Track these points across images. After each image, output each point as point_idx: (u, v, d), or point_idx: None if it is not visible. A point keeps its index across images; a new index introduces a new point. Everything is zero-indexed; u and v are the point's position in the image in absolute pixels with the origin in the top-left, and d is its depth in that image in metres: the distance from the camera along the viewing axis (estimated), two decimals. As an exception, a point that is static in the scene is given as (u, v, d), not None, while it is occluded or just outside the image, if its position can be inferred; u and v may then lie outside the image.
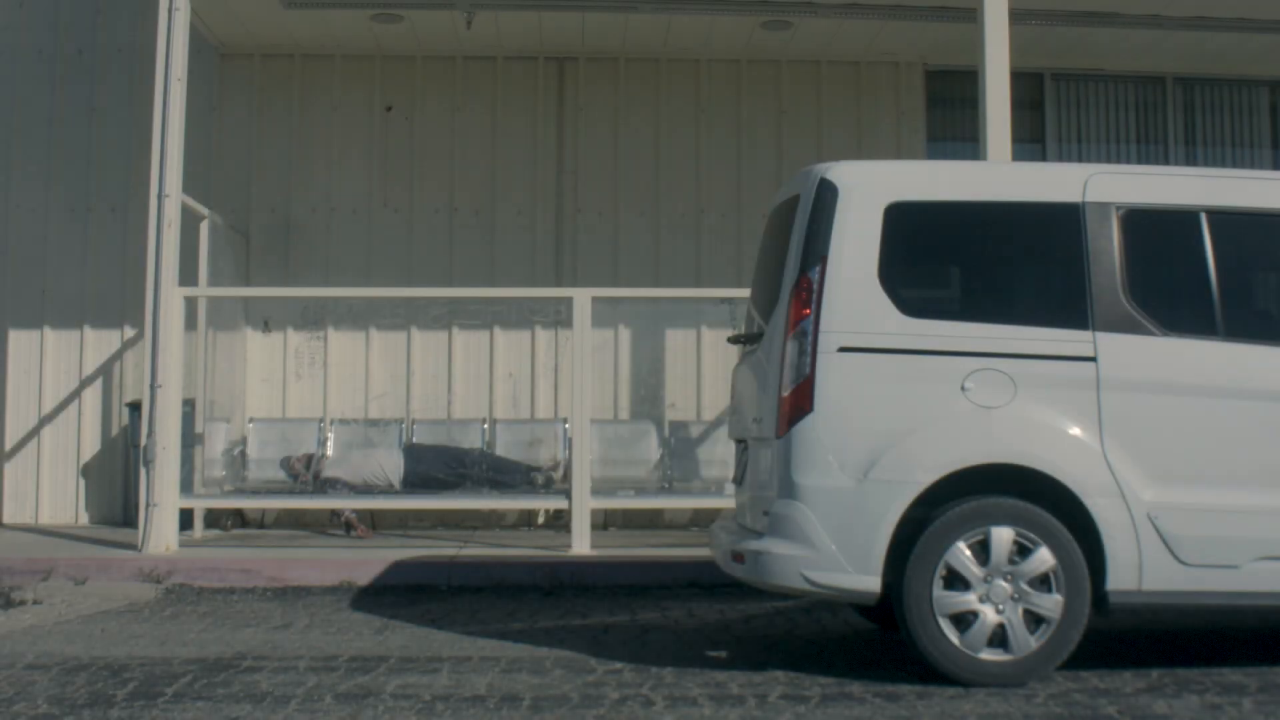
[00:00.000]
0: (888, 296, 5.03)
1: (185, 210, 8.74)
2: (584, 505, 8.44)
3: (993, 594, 4.84)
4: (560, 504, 9.08)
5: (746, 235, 11.02)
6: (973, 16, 8.74)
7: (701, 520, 10.65)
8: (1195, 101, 11.64)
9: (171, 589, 7.55)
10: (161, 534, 8.23)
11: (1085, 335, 5.01)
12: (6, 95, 10.74)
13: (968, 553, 4.85)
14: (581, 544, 8.34)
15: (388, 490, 9.51)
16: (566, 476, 9.12)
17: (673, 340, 10.93)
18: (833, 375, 4.97)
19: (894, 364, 4.99)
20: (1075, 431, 4.93)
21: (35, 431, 10.52)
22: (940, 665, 4.83)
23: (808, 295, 5.04)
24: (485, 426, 10.50)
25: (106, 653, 5.57)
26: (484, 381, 10.75)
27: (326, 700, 4.66)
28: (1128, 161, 11.53)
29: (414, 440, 10.31)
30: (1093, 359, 4.98)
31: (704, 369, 10.86)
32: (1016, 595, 4.84)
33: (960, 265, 5.25)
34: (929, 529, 4.85)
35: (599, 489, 9.03)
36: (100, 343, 10.57)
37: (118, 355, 10.59)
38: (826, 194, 5.14)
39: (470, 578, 7.71)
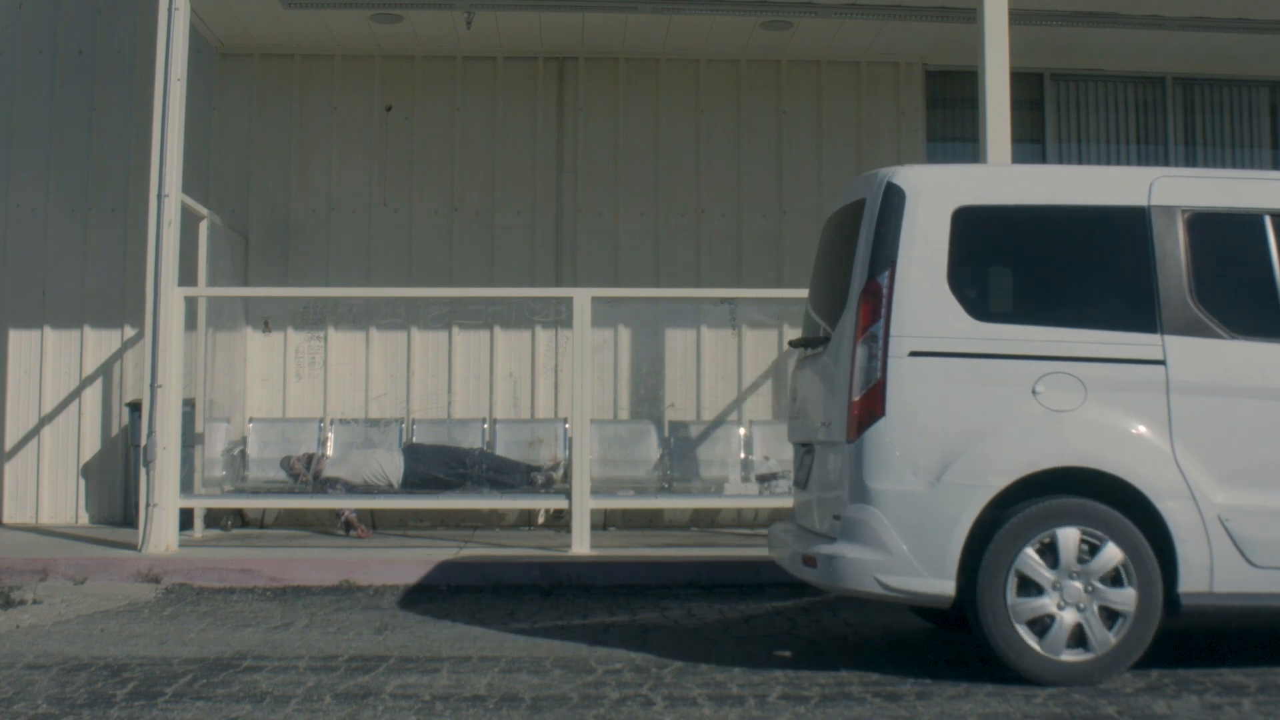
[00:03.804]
0: (957, 300, 5.05)
1: (185, 210, 8.74)
2: (584, 505, 8.44)
3: (1066, 595, 4.87)
4: (560, 504, 9.08)
5: (746, 235, 11.04)
6: (973, 16, 8.75)
7: (701, 520, 10.67)
8: (1195, 101, 11.64)
9: (171, 589, 7.55)
10: (161, 534, 8.23)
11: (1154, 339, 5.03)
12: (6, 95, 10.74)
13: (1038, 556, 4.87)
14: (581, 544, 8.34)
15: (388, 490, 9.51)
16: (566, 476, 9.12)
17: (673, 340, 10.93)
18: (904, 380, 4.99)
19: (965, 368, 5.01)
20: (1145, 435, 4.95)
21: (35, 431, 10.52)
22: (1019, 667, 4.85)
23: (877, 300, 5.06)
24: (485, 426, 10.50)
25: (106, 652, 5.57)
26: (484, 381, 10.75)
27: (326, 700, 4.66)
28: (1128, 162, 11.53)
29: (414, 440, 10.31)
30: (1161, 362, 5.00)
31: (704, 369, 10.87)
32: (1090, 592, 4.86)
33: (1028, 269, 5.23)
34: (1000, 532, 4.87)
35: (599, 489, 9.04)
36: (100, 343, 10.58)
37: (118, 355, 10.59)
38: (894, 198, 5.15)
39: (468, 577, 7.71)
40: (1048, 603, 4.85)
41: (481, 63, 11.07)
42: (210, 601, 7.14)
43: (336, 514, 9.74)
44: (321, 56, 10.98)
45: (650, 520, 10.56)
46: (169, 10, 8.50)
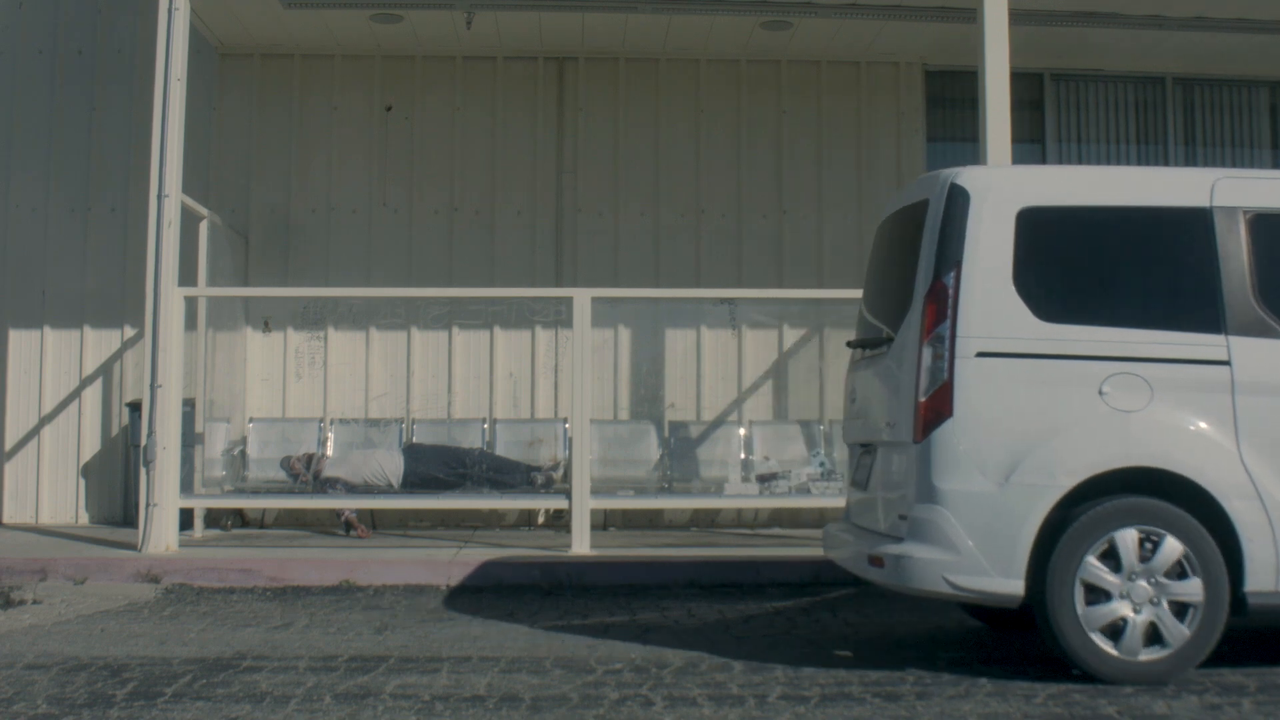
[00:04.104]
0: (1023, 301, 5.08)
1: (185, 210, 8.75)
2: (584, 505, 8.44)
3: (1134, 596, 4.89)
4: (560, 504, 9.08)
5: (746, 235, 11.04)
6: (973, 16, 8.75)
7: (701, 520, 10.67)
8: (1195, 101, 11.64)
9: (171, 589, 7.55)
10: (161, 534, 8.24)
11: (1218, 339, 5.05)
12: (6, 95, 10.75)
13: (1100, 564, 4.89)
14: (581, 544, 8.34)
15: (388, 490, 9.51)
16: (566, 476, 9.12)
17: (673, 340, 10.93)
18: (971, 380, 5.02)
19: (1031, 369, 5.03)
20: (1211, 434, 4.98)
21: (35, 431, 10.52)
22: (1100, 673, 4.87)
23: (943, 301, 5.09)
24: (485, 426, 10.50)
25: (106, 653, 5.57)
26: (484, 381, 10.76)
27: (326, 700, 4.66)
28: (1128, 162, 11.54)
29: (414, 440, 10.31)
30: (1226, 363, 5.03)
31: (704, 369, 10.87)
32: (1156, 589, 4.88)
33: (1092, 270, 5.24)
34: (1068, 531, 4.89)
35: (599, 489, 9.04)
36: (100, 343, 10.58)
37: (118, 355, 10.59)
38: (958, 199, 5.19)
39: (468, 577, 7.72)
40: (1117, 607, 4.88)
41: (481, 63, 11.08)
42: (210, 601, 7.14)
43: (336, 514, 9.74)
44: (321, 56, 10.98)
45: (650, 520, 10.56)
46: (169, 10, 8.51)
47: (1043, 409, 4.99)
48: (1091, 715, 4.46)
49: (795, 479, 9.51)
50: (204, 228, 9.52)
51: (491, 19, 10.11)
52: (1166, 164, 11.44)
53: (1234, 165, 11.56)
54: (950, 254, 5.12)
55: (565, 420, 10.14)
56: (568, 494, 8.60)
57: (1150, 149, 11.56)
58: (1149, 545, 4.89)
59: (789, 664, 5.33)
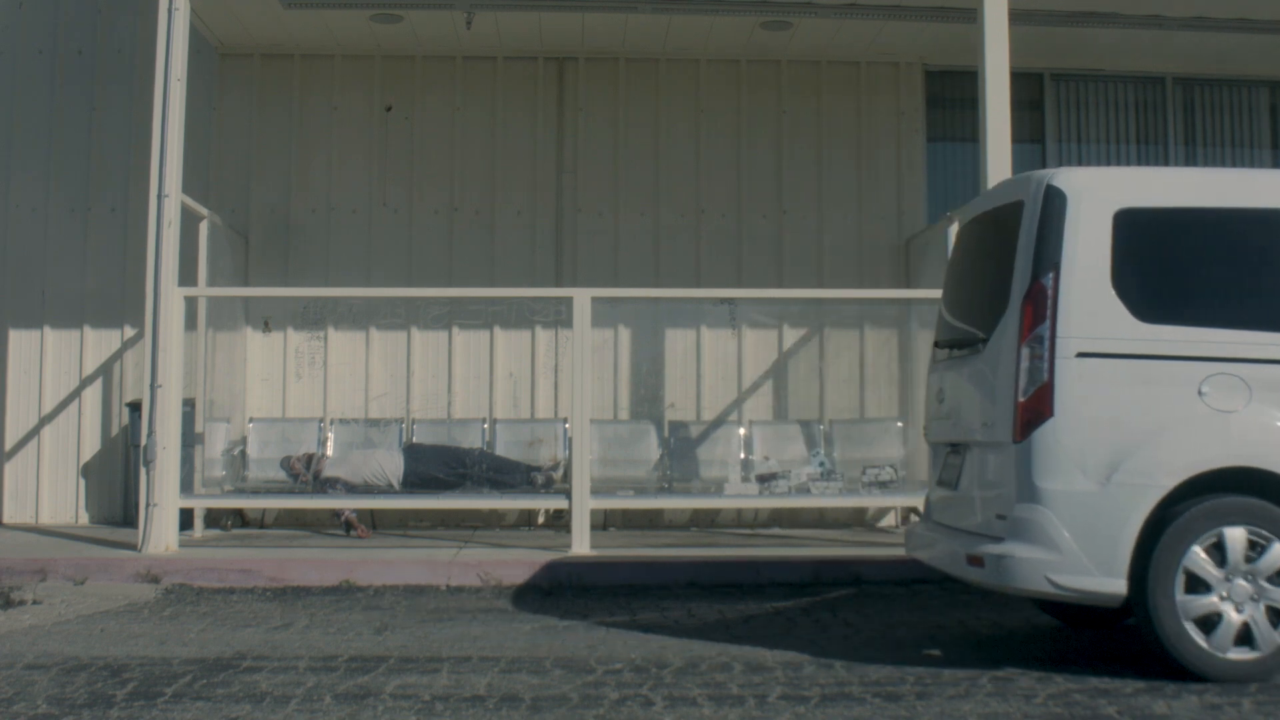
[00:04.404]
0: (1121, 302, 5.12)
1: (185, 210, 8.75)
2: (584, 505, 8.44)
3: (1233, 594, 4.91)
4: (560, 504, 9.08)
5: (746, 235, 11.04)
6: (973, 16, 8.75)
7: (701, 520, 10.67)
8: (1195, 101, 11.64)
9: (171, 589, 7.55)
10: (161, 534, 8.23)
11: None
12: (6, 95, 10.75)
13: (1206, 555, 4.92)
14: (581, 544, 8.34)
15: (388, 490, 9.51)
16: (566, 476, 9.12)
17: (673, 340, 10.93)
18: (1072, 381, 5.06)
19: (1131, 369, 5.08)
20: None
21: (35, 431, 10.52)
22: (1188, 663, 4.90)
23: (1042, 302, 5.13)
24: (485, 426, 10.50)
25: (106, 653, 5.57)
26: (484, 381, 10.76)
27: (326, 700, 4.66)
28: (1127, 162, 11.54)
29: (414, 440, 10.31)
30: None
31: (704, 369, 10.87)
32: (1257, 592, 4.91)
33: (1189, 271, 5.28)
34: (1169, 530, 4.92)
35: (599, 489, 9.03)
36: (100, 343, 10.58)
37: (118, 355, 10.59)
38: (1055, 201, 5.23)
39: (468, 577, 7.72)
40: (1215, 601, 4.91)
41: (481, 63, 11.08)
42: (210, 602, 7.13)
43: (336, 514, 9.74)
44: (321, 56, 10.98)
45: (650, 520, 10.56)
46: (169, 10, 8.51)
47: (1143, 410, 5.04)
48: (1092, 715, 4.46)
49: (795, 479, 9.51)
50: (204, 228, 9.52)
51: (491, 19, 10.11)
52: (1166, 164, 11.45)
53: (1234, 165, 11.57)
54: (1048, 255, 5.17)
55: (565, 420, 10.14)
56: (568, 494, 8.60)
57: (1150, 149, 11.56)
58: (1256, 546, 4.93)
59: (789, 664, 5.33)
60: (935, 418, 6.13)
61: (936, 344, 6.20)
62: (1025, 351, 5.12)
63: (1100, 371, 5.07)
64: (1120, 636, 5.99)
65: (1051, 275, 5.12)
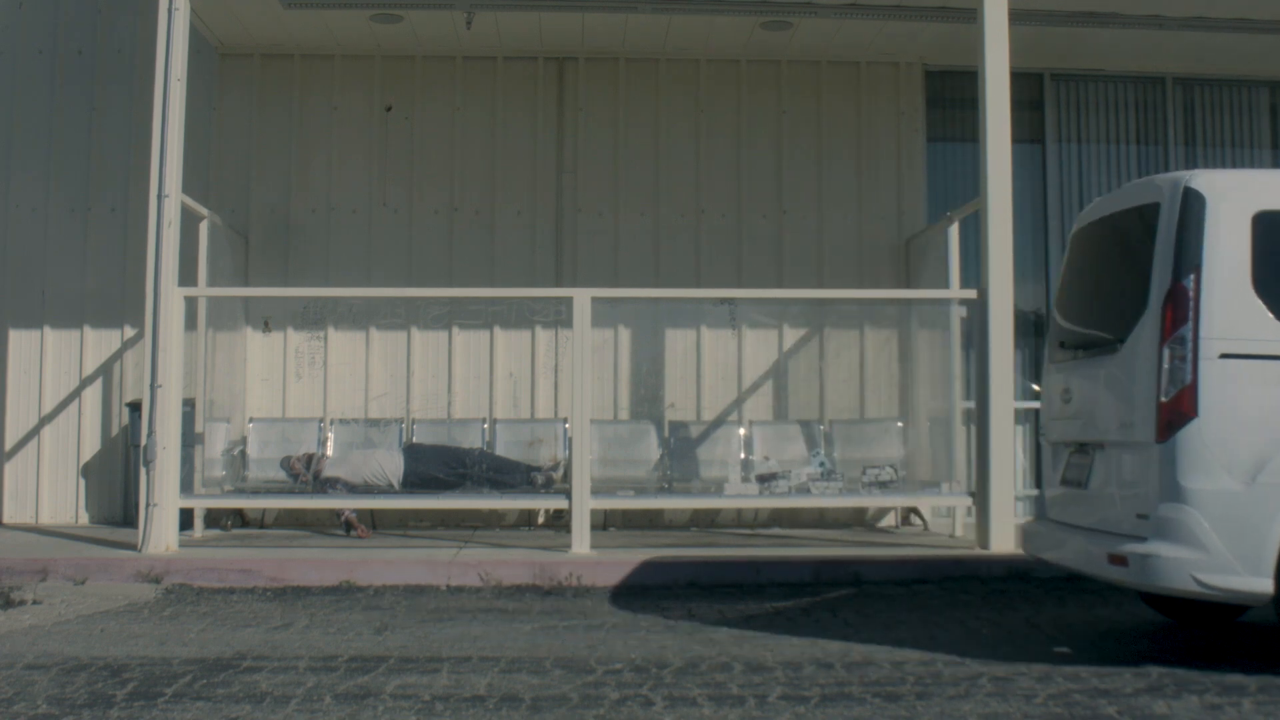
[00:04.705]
0: (1263, 304, 5.17)
1: (185, 210, 8.75)
2: (584, 505, 8.44)
3: None
4: (560, 504, 9.07)
5: (746, 235, 11.04)
6: (973, 16, 8.75)
7: (701, 520, 10.67)
8: (1195, 101, 11.64)
9: (171, 589, 7.55)
10: (161, 534, 8.23)
11: None
12: (7, 95, 10.75)
13: None
14: (581, 544, 8.34)
15: (388, 490, 9.51)
16: (566, 476, 9.12)
17: (673, 340, 10.93)
18: (1215, 381, 5.11)
19: (1274, 370, 5.12)
20: None
21: (35, 431, 10.52)
22: None
23: (1183, 303, 5.18)
24: (485, 426, 10.50)
25: (106, 653, 5.57)
26: (484, 381, 10.76)
27: (326, 700, 4.66)
28: (1127, 162, 11.54)
29: (414, 440, 10.31)
30: None
31: (704, 369, 10.87)
32: None
33: None
34: None
35: (599, 489, 9.03)
36: (100, 343, 10.58)
37: (118, 355, 10.59)
38: (1193, 203, 5.28)
39: (468, 577, 7.72)
40: None
41: (481, 63, 11.08)
42: (210, 602, 7.13)
43: (336, 514, 9.74)
44: (321, 56, 10.98)
45: (650, 520, 10.56)
46: (169, 10, 8.51)
47: None
48: (1092, 715, 4.46)
49: (795, 479, 9.51)
50: (204, 228, 9.52)
51: (491, 19, 10.11)
52: (1166, 164, 11.47)
53: (1234, 165, 11.57)
54: (1188, 257, 5.22)
55: (565, 420, 10.14)
56: (568, 494, 8.60)
57: (1150, 149, 11.56)
58: None
59: (789, 664, 5.33)
60: (1059, 418, 6.18)
61: (1061, 345, 6.24)
62: (1166, 353, 5.18)
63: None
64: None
65: (1193, 277, 5.19)
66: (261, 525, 10.35)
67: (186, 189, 8.74)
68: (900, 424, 10.60)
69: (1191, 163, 11.50)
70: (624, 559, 8.04)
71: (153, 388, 8.31)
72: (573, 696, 4.73)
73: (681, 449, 10.47)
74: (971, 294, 8.89)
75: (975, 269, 9.18)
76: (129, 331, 10.52)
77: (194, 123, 9.18)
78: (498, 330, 10.81)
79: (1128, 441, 5.39)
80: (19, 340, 10.57)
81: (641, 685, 4.93)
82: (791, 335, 10.99)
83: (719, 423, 10.72)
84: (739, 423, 10.68)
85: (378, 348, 10.77)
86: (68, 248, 10.63)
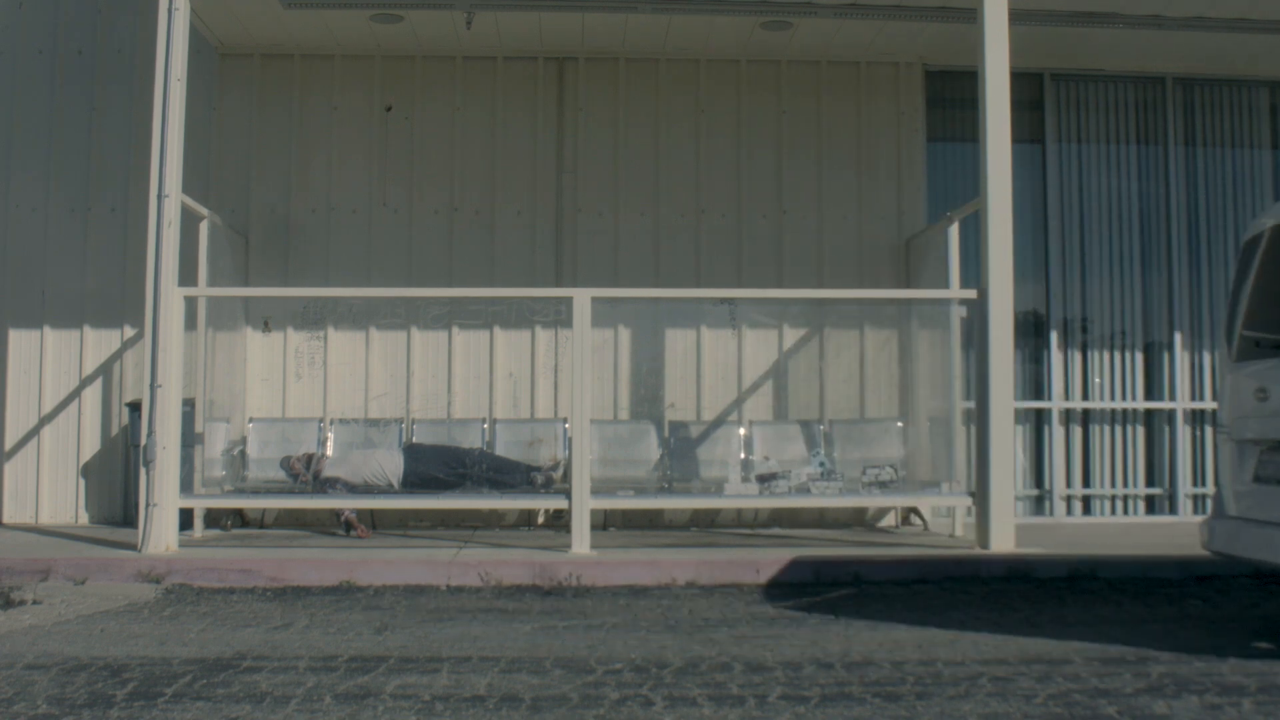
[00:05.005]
0: None
1: (185, 210, 8.75)
2: (584, 505, 8.44)
3: None
4: (560, 504, 9.07)
5: (746, 235, 11.04)
6: (973, 16, 8.76)
7: (701, 520, 10.67)
8: (1195, 101, 11.64)
9: (171, 589, 7.55)
10: (161, 534, 8.24)
11: None
12: (7, 95, 10.75)
13: None
14: (581, 544, 8.34)
15: (388, 490, 9.51)
16: (566, 476, 9.12)
17: (673, 340, 10.93)
18: None
19: None
20: None
21: (35, 431, 10.53)
22: None
23: None
24: (485, 426, 10.50)
25: (106, 653, 5.57)
26: (484, 381, 10.76)
27: (326, 700, 4.66)
28: (1127, 162, 11.54)
29: (414, 440, 10.31)
30: None
31: (704, 369, 10.87)
32: None
33: None
34: None
35: (599, 489, 9.03)
36: (100, 343, 10.58)
37: (118, 355, 10.60)
38: None
39: (468, 577, 7.72)
40: None
41: (481, 63, 11.08)
42: (210, 602, 7.13)
43: (336, 514, 9.74)
44: (321, 56, 10.98)
45: (650, 520, 10.56)
46: (169, 10, 8.51)
47: None
48: (1092, 715, 4.46)
49: (795, 479, 9.51)
50: (204, 228, 9.52)
51: (491, 19, 10.12)
52: (1166, 164, 11.46)
53: (1234, 165, 11.57)
54: None
55: (565, 420, 10.14)
56: (568, 494, 8.60)
57: (1150, 149, 11.56)
58: None
59: (789, 664, 5.33)
60: (1253, 416, 6.15)
61: (1257, 344, 6.23)
62: None
63: None
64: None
65: None
66: (261, 525, 10.35)
67: (186, 189, 8.74)
68: (900, 424, 10.60)
69: (1191, 162, 11.51)
70: (624, 559, 8.04)
71: (153, 388, 8.31)
72: (573, 696, 4.72)
73: (681, 449, 10.48)
74: (971, 294, 8.89)
75: (975, 269, 9.18)
76: (129, 331, 10.52)
77: (194, 123, 9.19)
78: (498, 330, 10.81)
79: None
80: (19, 340, 10.57)
81: (641, 685, 4.93)
82: (791, 335, 10.99)
83: (719, 423, 10.72)
84: (739, 423, 10.68)
85: (378, 348, 10.77)
86: (68, 248, 10.63)
